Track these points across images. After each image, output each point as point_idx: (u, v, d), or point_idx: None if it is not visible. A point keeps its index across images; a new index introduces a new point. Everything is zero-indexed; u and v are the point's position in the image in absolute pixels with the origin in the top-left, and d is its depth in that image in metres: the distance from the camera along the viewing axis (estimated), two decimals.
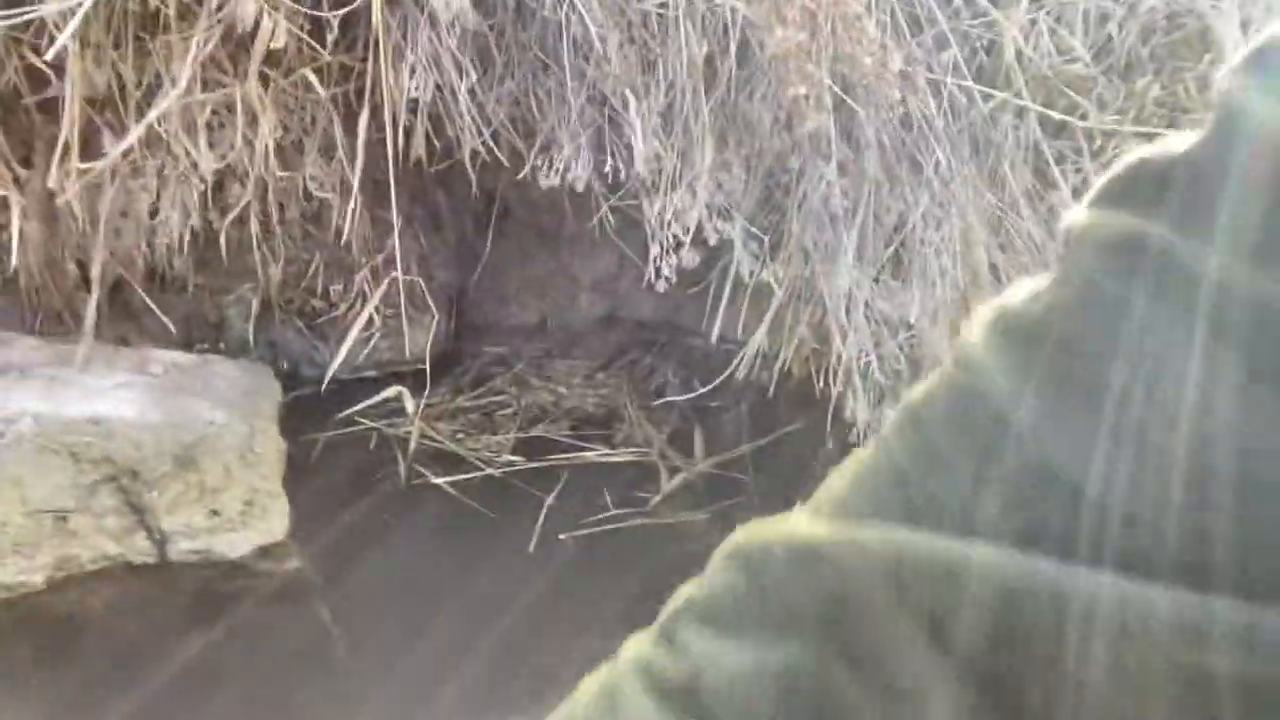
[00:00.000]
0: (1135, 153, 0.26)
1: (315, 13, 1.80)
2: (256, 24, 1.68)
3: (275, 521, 1.55)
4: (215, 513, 1.52)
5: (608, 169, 1.65)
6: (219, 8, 1.72)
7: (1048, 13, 2.23)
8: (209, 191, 2.09)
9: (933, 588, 0.24)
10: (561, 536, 1.69)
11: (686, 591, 0.30)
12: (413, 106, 2.07)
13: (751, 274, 1.97)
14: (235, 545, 1.50)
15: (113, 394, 1.66)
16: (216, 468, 1.58)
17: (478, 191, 2.35)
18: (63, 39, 1.49)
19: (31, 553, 1.37)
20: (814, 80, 1.40)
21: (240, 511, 1.54)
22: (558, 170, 1.62)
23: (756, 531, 0.29)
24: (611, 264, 2.75)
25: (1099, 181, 0.27)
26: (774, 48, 1.39)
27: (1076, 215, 0.26)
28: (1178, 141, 0.25)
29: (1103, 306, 0.24)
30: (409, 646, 1.43)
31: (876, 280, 1.88)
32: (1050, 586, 0.22)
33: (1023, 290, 0.27)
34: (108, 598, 1.40)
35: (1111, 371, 0.23)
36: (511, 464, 1.91)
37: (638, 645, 0.30)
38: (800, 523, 0.29)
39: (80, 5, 1.48)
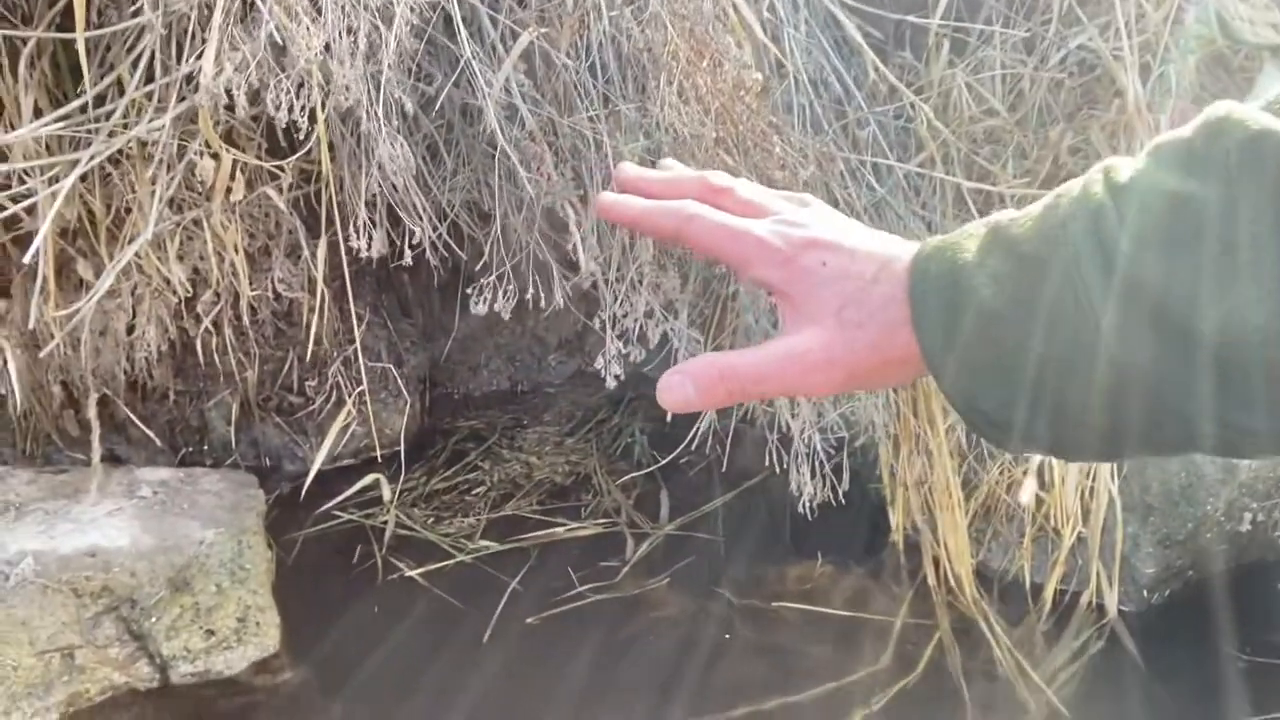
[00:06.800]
0: None
1: (274, 163, 1.91)
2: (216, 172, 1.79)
3: (268, 635, 1.67)
4: (210, 632, 1.64)
5: (529, 295, 1.78)
6: (179, 156, 1.83)
7: (966, 67, 2.37)
8: (182, 302, 2.21)
9: None
10: (529, 620, 1.82)
11: (1158, 139, 0.37)
12: (371, 201, 2.19)
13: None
14: (232, 664, 1.62)
15: (106, 522, 1.77)
16: (209, 587, 1.70)
17: (442, 272, 2.47)
18: (44, 229, 1.60)
19: (44, 693, 1.48)
20: None
21: (234, 629, 1.65)
22: (485, 300, 1.75)
23: (1228, 111, 0.35)
24: (576, 323, 2.87)
25: None
26: None
27: None
28: None
29: None
30: None
31: None
32: None
33: None
34: None
35: None
36: (483, 548, 2.04)
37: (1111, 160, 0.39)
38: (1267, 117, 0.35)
39: (60, 190, 1.59)
